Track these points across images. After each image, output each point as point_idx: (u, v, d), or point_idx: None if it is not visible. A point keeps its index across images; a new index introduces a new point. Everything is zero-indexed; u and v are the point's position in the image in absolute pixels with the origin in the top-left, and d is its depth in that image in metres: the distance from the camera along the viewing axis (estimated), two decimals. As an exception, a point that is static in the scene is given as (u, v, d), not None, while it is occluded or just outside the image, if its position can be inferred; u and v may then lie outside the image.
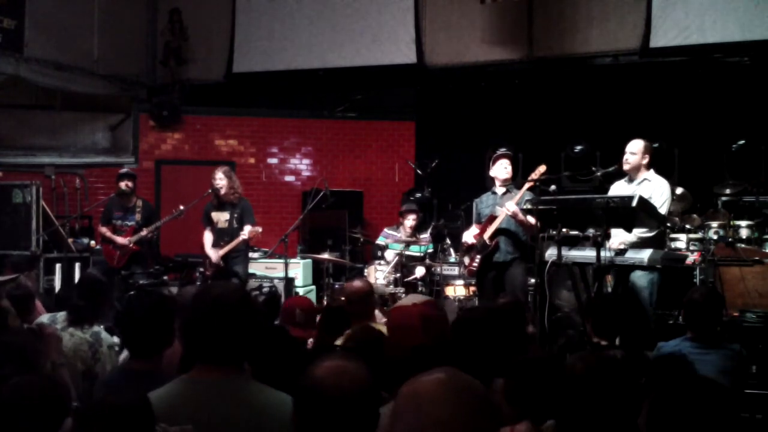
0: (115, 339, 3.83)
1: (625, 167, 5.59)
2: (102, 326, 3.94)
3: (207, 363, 2.17)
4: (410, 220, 7.66)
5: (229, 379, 2.15)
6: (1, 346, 2.85)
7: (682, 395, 1.81)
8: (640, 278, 5.28)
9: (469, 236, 6.38)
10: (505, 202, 6.15)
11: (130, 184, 7.56)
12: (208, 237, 7.18)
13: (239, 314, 2.18)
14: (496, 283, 6.21)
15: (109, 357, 3.75)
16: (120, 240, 7.46)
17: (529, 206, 5.38)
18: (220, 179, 7.06)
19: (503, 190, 6.35)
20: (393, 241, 7.76)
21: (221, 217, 7.13)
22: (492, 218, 6.22)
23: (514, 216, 6.03)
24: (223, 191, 7.05)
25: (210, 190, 7.11)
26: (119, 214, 7.61)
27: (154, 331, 2.76)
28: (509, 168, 6.37)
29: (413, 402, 1.47)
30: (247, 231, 6.81)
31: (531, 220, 5.94)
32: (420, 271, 7.43)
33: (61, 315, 3.90)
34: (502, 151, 6.49)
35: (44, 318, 3.87)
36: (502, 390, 2.46)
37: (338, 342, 3.67)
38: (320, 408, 1.71)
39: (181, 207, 7.45)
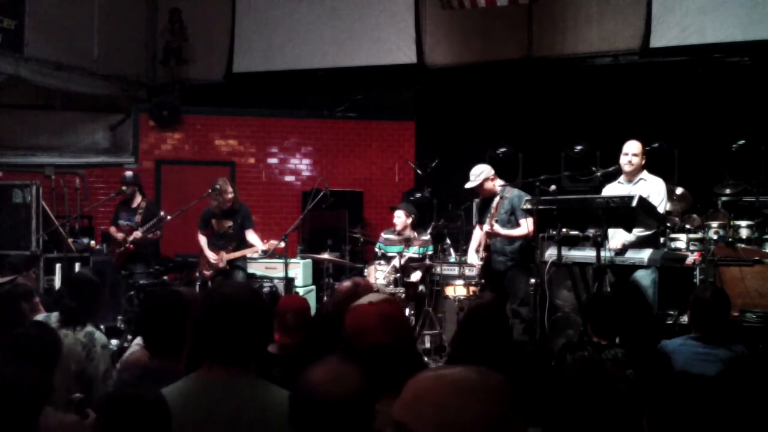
0: (114, 341, 3.81)
1: (628, 169, 5.59)
2: (96, 326, 3.92)
3: (216, 361, 2.18)
4: (396, 218, 7.63)
5: (237, 378, 2.17)
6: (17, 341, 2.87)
7: (682, 394, 1.81)
8: (643, 278, 5.29)
9: (473, 257, 6.54)
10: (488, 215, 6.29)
11: (127, 188, 7.66)
12: (204, 240, 7.23)
13: (249, 313, 2.19)
14: (496, 289, 6.30)
15: (103, 357, 3.71)
16: (119, 235, 7.58)
17: (528, 206, 5.39)
18: (230, 193, 7.05)
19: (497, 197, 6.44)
20: (387, 243, 7.74)
21: (225, 224, 7.16)
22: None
23: (493, 235, 6.14)
24: (230, 204, 7.07)
25: (215, 202, 7.05)
26: (125, 214, 7.74)
27: (174, 329, 2.72)
28: (480, 193, 6.45)
29: (431, 404, 1.43)
30: (267, 245, 6.96)
31: (512, 232, 6.09)
32: (416, 276, 7.41)
33: (55, 315, 3.86)
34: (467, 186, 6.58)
35: (39, 318, 3.85)
36: None
37: None
38: (315, 413, 1.72)
39: (169, 217, 7.51)
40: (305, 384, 1.75)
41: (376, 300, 2.37)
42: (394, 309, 2.35)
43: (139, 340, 3.24)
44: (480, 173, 6.33)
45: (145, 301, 3.04)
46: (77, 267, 7.73)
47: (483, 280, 6.58)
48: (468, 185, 6.37)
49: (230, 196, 7.07)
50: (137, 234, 7.39)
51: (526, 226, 6.03)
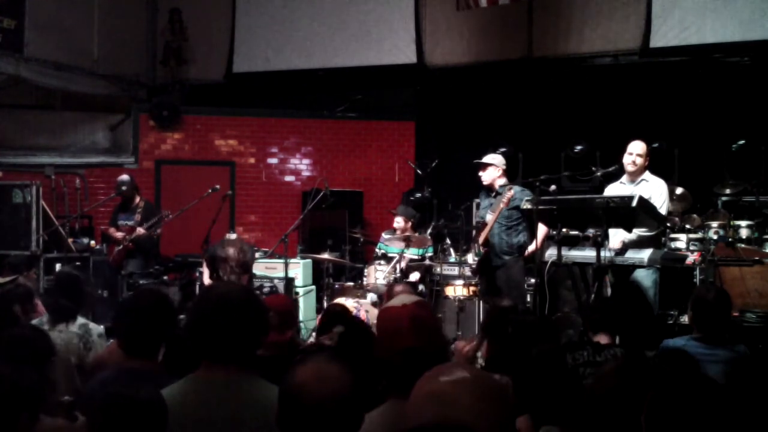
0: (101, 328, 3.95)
1: (631, 169, 5.58)
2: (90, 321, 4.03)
3: (214, 361, 2.19)
4: (395, 223, 7.72)
5: (237, 378, 2.17)
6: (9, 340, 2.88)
7: (681, 393, 1.81)
8: (644, 278, 5.29)
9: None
10: (491, 208, 6.38)
11: (124, 188, 7.68)
12: (207, 272, 7.08)
13: (244, 312, 2.20)
14: (491, 285, 6.30)
15: (100, 345, 3.86)
16: (117, 234, 7.60)
17: (528, 206, 5.39)
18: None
19: (493, 194, 6.46)
20: (388, 243, 7.76)
21: None
22: (485, 225, 6.40)
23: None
24: None
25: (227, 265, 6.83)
26: (123, 215, 7.77)
27: (154, 329, 2.72)
28: (483, 175, 6.51)
29: (433, 402, 1.45)
30: None
31: (539, 238, 5.88)
32: (414, 276, 7.44)
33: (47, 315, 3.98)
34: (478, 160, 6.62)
35: (36, 321, 3.88)
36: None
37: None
38: (300, 414, 1.71)
39: (170, 215, 7.53)
40: (290, 383, 1.74)
41: (408, 302, 2.33)
42: (426, 312, 2.32)
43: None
44: (493, 157, 6.58)
45: (126, 301, 3.07)
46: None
47: (478, 276, 6.63)
48: (483, 158, 6.52)
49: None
50: (140, 230, 7.41)
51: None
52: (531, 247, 6.11)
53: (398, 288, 4.60)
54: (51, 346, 3.10)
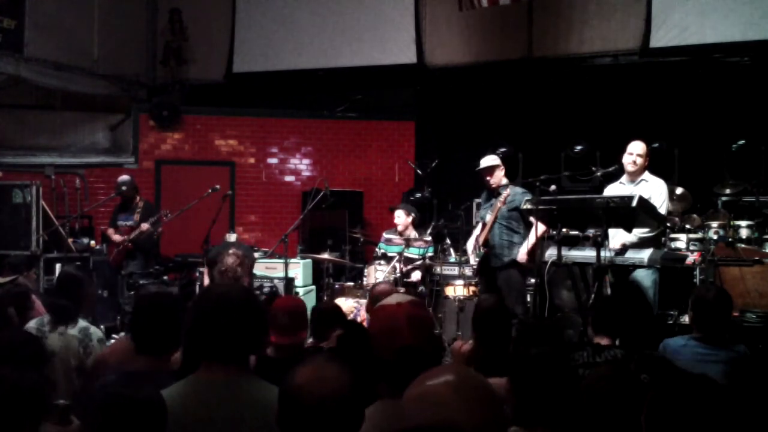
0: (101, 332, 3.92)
1: (631, 169, 5.59)
2: (91, 323, 3.99)
3: (213, 361, 2.19)
4: (396, 218, 7.67)
5: (236, 378, 2.17)
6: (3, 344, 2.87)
7: (681, 393, 1.81)
8: (644, 278, 5.29)
9: (470, 245, 6.63)
10: (491, 209, 6.38)
11: (124, 188, 7.72)
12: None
13: (243, 312, 2.21)
14: (491, 285, 6.30)
15: (100, 350, 3.80)
16: (116, 237, 7.63)
17: (529, 206, 5.39)
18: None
19: (495, 194, 6.48)
20: (388, 243, 7.76)
21: None
22: (485, 225, 6.39)
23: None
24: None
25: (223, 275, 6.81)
26: (123, 215, 7.80)
27: (166, 329, 2.72)
28: (492, 180, 6.46)
29: (423, 404, 1.46)
30: None
31: (535, 234, 5.87)
32: (416, 276, 7.44)
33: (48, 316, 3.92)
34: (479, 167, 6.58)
35: (32, 324, 3.86)
36: (507, 387, 2.45)
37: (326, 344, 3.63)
38: (300, 414, 1.71)
39: (169, 213, 7.55)
40: (289, 384, 1.75)
41: (403, 300, 2.31)
42: (421, 310, 2.32)
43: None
44: (494, 158, 6.54)
45: (140, 299, 3.08)
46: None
47: (478, 277, 6.63)
48: (482, 164, 6.45)
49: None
50: (144, 226, 7.41)
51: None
52: (525, 247, 6.07)
53: (380, 287, 4.57)
54: (44, 350, 3.08)
